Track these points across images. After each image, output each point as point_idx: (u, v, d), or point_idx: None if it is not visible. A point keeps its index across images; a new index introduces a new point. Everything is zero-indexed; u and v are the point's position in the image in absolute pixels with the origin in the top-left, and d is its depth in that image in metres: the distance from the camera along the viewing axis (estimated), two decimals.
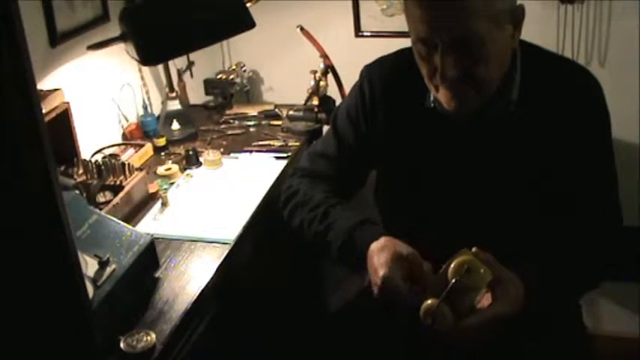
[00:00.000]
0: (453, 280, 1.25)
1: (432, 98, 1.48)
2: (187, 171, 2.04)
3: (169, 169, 2.03)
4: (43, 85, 1.84)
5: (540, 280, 1.33)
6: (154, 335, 1.36)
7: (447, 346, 1.31)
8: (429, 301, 1.27)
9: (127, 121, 2.24)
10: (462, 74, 1.35)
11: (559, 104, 1.44)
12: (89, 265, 1.39)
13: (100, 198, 1.78)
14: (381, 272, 1.33)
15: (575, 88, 1.47)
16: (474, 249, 1.29)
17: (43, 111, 1.72)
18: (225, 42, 2.52)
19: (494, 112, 1.45)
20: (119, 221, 1.55)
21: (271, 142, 2.19)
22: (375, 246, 1.39)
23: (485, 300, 1.30)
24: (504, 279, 1.29)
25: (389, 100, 1.55)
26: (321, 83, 2.25)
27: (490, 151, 1.48)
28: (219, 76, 2.48)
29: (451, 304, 1.25)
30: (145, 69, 2.29)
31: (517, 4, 1.39)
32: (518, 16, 1.38)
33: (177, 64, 2.33)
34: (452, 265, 1.27)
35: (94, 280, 1.37)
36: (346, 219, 1.49)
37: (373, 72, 1.59)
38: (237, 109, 2.43)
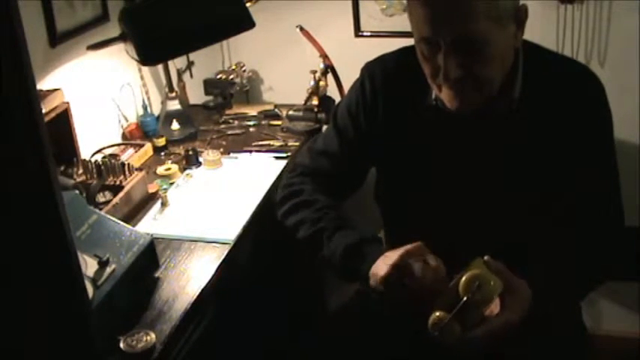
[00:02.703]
0: (465, 298, 1.24)
1: (433, 96, 1.48)
2: (187, 171, 2.04)
3: (169, 169, 2.03)
4: (42, 85, 1.84)
5: (546, 283, 1.33)
6: (153, 335, 1.36)
7: (448, 350, 1.31)
8: (437, 314, 1.26)
9: (127, 121, 2.24)
10: (465, 74, 1.35)
11: (561, 103, 1.45)
12: (89, 265, 1.39)
13: (100, 198, 1.78)
14: (400, 251, 1.34)
15: (576, 87, 1.47)
16: (485, 257, 1.28)
17: (43, 111, 1.72)
18: (225, 42, 2.52)
19: (497, 111, 1.45)
20: (119, 221, 1.55)
21: (271, 142, 2.19)
22: (386, 253, 1.39)
23: (493, 306, 1.29)
24: (513, 287, 1.28)
25: (390, 97, 1.55)
26: (321, 83, 2.25)
27: (492, 149, 1.47)
28: (218, 76, 2.48)
29: (460, 318, 1.25)
30: (145, 69, 2.29)
31: (520, 4, 1.39)
32: (521, 15, 1.38)
33: (176, 64, 2.33)
34: (463, 280, 1.26)
35: (93, 280, 1.36)
36: (356, 228, 1.50)
37: (375, 69, 1.59)
38: (236, 109, 2.43)
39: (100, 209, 1.63)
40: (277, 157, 2.09)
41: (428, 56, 1.38)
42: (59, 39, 1.90)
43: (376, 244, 1.46)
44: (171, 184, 1.98)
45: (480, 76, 1.37)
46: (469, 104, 1.41)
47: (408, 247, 1.35)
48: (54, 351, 0.90)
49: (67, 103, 1.84)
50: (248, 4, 2.06)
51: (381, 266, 1.36)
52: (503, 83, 1.43)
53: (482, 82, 1.38)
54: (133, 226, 1.68)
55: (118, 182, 1.83)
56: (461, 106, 1.41)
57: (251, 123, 2.33)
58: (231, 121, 2.36)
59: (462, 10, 1.30)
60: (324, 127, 2.19)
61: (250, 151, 2.14)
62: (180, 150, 2.15)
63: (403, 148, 1.55)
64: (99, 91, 2.11)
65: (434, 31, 1.33)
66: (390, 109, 1.56)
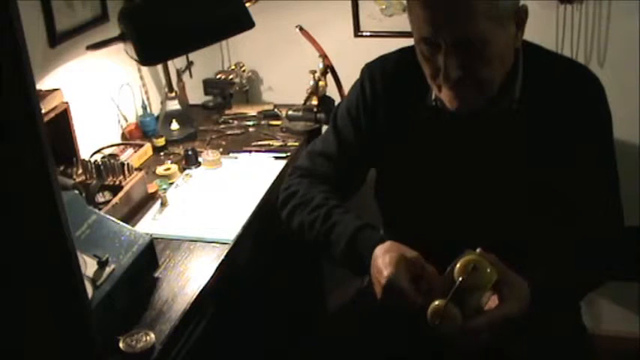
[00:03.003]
0: (460, 279, 1.25)
1: (433, 96, 1.48)
2: (186, 171, 2.04)
3: (168, 169, 2.02)
4: (42, 85, 1.84)
5: (545, 281, 1.33)
6: (153, 335, 1.36)
7: (449, 346, 1.31)
8: (437, 302, 1.26)
9: (127, 121, 2.24)
10: (465, 75, 1.35)
11: (561, 103, 1.45)
12: (88, 265, 1.39)
13: (99, 198, 1.78)
14: (386, 272, 1.33)
15: (576, 87, 1.47)
16: (478, 249, 1.28)
17: (43, 111, 1.71)
18: (224, 42, 2.52)
19: (497, 111, 1.45)
20: (118, 221, 1.54)
21: (270, 142, 2.19)
22: (379, 249, 1.38)
23: (492, 302, 1.29)
24: (510, 280, 1.29)
25: (390, 98, 1.55)
26: (320, 83, 2.25)
27: (492, 149, 1.48)
28: (218, 76, 2.48)
29: (458, 304, 1.25)
30: (144, 69, 2.29)
31: (520, 4, 1.39)
32: (521, 16, 1.38)
33: (176, 64, 2.32)
34: (458, 265, 1.26)
35: (93, 280, 1.36)
36: (349, 221, 1.49)
37: (375, 70, 1.59)
38: (236, 109, 2.43)
39: (100, 209, 1.63)
40: (277, 157, 2.09)
41: (428, 56, 1.38)
42: (59, 39, 1.90)
43: (368, 235, 1.45)
44: (171, 184, 1.98)
45: (480, 77, 1.37)
46: (469, 105, 1.41)
47: (394, 268, 1.33)
48: (54, 351, 0.90)
49: (67, 103, 1.84)
50: (248, 4, 2.06)
51: (375, 283, 1.37)
52: (503, 84, 1.43)
53: (482, 83, 1.38)
54: (133, 226, 1.68)
55: (117, 182, 1.83)
56: (461, 106, 1.41)
57: (250, 123, 2.33)
58: (230, 121, 2.36)
59: (462, 10, 1.30)
60: (324, 127, 2.19)
61: (250, 151, 2.14)
62: (180, 150, 2.15)
63: (403, 148, 1.55)
64: (98, 91, 2.11)
65: (434, 31, 1.33)
66: (390, 109, 1.56)
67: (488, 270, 1.26)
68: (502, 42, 1.35)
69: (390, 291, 1.32)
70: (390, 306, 1.35)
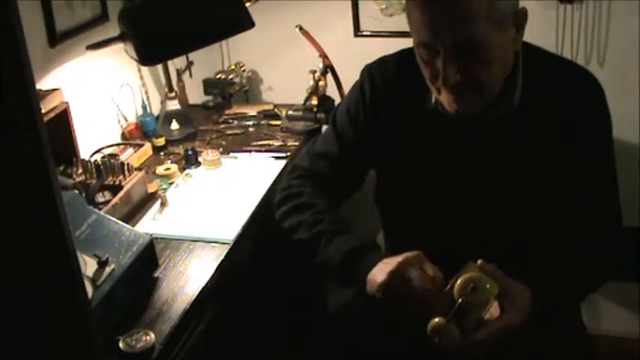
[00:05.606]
0: (460, 300, 1.25)
1: (433, 99, 1.48)
2: (186, 171, 2.04)
3: (168, 168, 2.02)
4: (42, 85, 1.84)
5: (546, 286, 1.33)
6: (152, 335, 1.36)
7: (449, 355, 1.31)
8: (436, 320, 1.27)
9: (126, 120, 2.24)
10: (465, 78, 1.35)
11: (561, 106, 1.45)
12: (88, 265, 1.38)
13: (99, 198, 1.78)
14: (396, 262, 1.34)
15: (576, 89, 1.47)
16: (479, 262, 1.28)
17: (42, 111, 1.71)
18: (224, 42, 2.52)
19: (497, 114, 1.45)
20: (118, 221, 1.54)
21: (270, 142, 2.19)
22: (385, 260, 1.40)
23: (494, 310, 1.30)
24: (511, 290, 1.29)
25: (390, 100, 1.55)
26: (320, 83, 2.25)
27: (492, 152, 1.47)
28: (218, 76, 2.48)
29: (458, 321, 1.25)
30: (144, 69, 2.29)
31: (519, 7, 1.39)
32: (520, 18, 1.38)
33: (176, 63, 2.32)
34: (457, 283, 1.27)
35: (93, 280, 1.36)
36: (355, 233, 1.49)
37: (374, 71, 1.59)
38: (236, 109, 2.43)
39: (100, 209, 1.63)
40: (276, 157, 2.09)
41: (427, 60, 1.38)
42: (58, 39, 1.90)
43: (375, 251, 1.46)
44: (171, 183, 1.98)
45: (480, 80, 1.37)
46: (469, 107, 1.41)
47: (407, 255, 1.35)
48: (54, 351, 0.90)
49: (67, 103, 1.84)
50: (248, 4, 2.05)
51: (379, 273, 1.37)
52: (503, 86, 1.43)
53: (481, 86, 1.38)
54: (133, 226, 1.68)
55: (117, 182, 1.83)
56: (460, 109, 1.41)
57: (250, 123, 2.33)
58: (230, 121, 2.36)
59: (461, 14, 1.30)
60: (324, 127, 2.19)
61: (250, 151, 2.14)
62: (180, 150, 2.15)
63: (403, 150, 1.55)
64: (98, 91, 2.11)
65: (433, 35, 1.33)
66: (390, 111, 1.55)
67: (488, 286, 1.26)
68: (501, 45, 1.35)
69: (409, 260, 1.33)
70: (390, 294, 1.35)
